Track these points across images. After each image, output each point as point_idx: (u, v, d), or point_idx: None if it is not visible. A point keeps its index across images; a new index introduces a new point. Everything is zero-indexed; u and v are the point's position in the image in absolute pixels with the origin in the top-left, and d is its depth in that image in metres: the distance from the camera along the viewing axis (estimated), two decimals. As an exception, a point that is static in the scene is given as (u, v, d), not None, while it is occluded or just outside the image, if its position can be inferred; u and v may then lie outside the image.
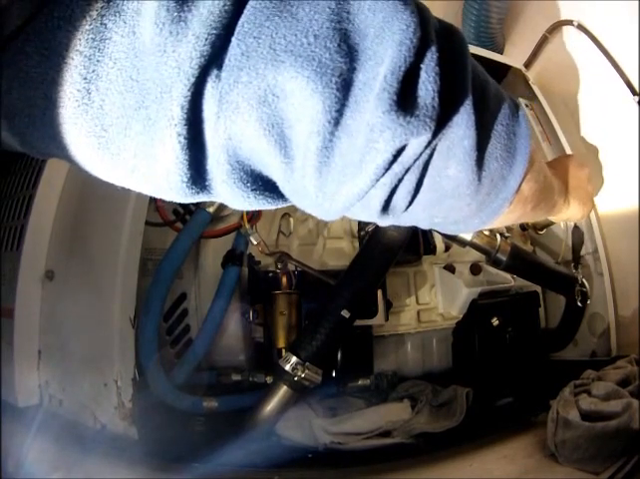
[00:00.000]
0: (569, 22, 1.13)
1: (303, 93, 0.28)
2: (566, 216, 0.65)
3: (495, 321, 1.16)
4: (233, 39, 0.28)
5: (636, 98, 0.98)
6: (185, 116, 0.29)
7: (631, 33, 0.93)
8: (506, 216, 0.41)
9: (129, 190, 0.36)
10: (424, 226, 0.42)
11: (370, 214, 0.35)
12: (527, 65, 1.30)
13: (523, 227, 1.33)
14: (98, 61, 0.28)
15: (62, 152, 0.32)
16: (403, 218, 0.37)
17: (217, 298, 1.07)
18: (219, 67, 0.28)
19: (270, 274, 1.09)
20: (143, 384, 0.89)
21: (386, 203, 0.34)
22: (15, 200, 0.82)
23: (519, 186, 0.38)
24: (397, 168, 0.31)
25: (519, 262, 1.09)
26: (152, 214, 1.06)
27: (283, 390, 0.89)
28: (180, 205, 1.14)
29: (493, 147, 0.35)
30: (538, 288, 1.27)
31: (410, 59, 0.29)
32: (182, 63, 0.28)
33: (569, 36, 1.15)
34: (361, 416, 1.01)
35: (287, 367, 0.87)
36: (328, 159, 0.30)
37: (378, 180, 0.31)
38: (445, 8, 1.41)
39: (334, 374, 1.10)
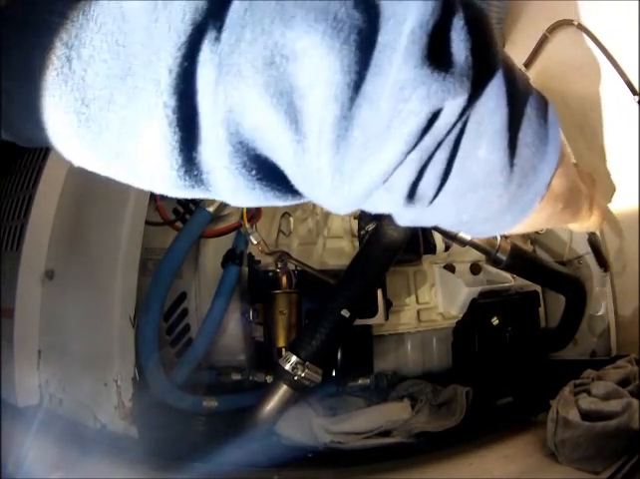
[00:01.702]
0: (569, 22, 1.12)
1: (317, 51, 0.24)
2: (586, 225, 0.60)
3: (495, 321, 1.16)
4: None
5: (636, 98, 0.98)
6: (174, 82, 0.25)
7: (631, 33, 0.93)
8: (536, 215, 0.37)
9: (129, 188, 0.34)
10: (450, 224, 0.37)
11: (394, 201, 0.31)
12: (527, 65, 1.30)
13: (523, 226, 1.33)
14: (81, 25, 0.25)
15: (40, 132, 0.28)
16: (428, 212, 0.32)
17: (217, 298, 1.07)
18: (218, 28, 0.25)
19: (270, 274, 1.09)
20: (143, 384, 0.89)
21: (413, 186, 0.29)
22: (15, 199, 0.82)
23: (552, 178, 0.34)
24: (428, 140, 0.27)
25: (519, 262, 1.09)
26: (152, 213, 1.06)
27: (283, 390, 0.89)
28: (180, 204, 1.14)
29: (524, 131, 0.31)
30: (538, 288, 1.27)
31: (437, 14, 0.25)
32: (173, 19, 0.24)
33: (570, 36, 1.15)
34: (361, 416, 1.01)
35: (287, 367, 0.87)
36: (347, 131, 0.26)
37: (409, 151, 0.27)
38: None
39: (334, 374, 1.11)
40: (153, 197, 1.03)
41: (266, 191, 0.29)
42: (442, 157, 0.29)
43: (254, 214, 1.11)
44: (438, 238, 1.18)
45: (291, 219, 1.21)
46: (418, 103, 0.26)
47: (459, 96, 0.26)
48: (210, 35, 0.25)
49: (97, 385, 0.81)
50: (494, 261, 1.08)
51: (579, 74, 1.14)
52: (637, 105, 0.98)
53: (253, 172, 0.28)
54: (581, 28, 1.09)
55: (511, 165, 0.31)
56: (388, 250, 0.97)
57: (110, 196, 0.86)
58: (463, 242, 1.05)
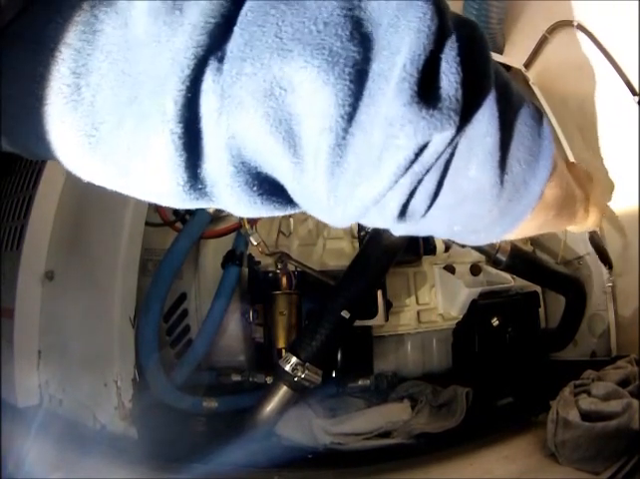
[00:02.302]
0: (569, 22, 1.13)
1: (313, 85, 0.26)
2: (585, 226, 0.60)
3: (495, 321, 1.16)
4: (236, 28, 0.26)
5: (636, 98, 0.98)
6: (180, 112, 0.26)
7: (631, 33, 0.93)
8: (528, 223, 0.38)
9: None
10: (442, 235, 0.38)
11: (385, 219, 0.32)
12: (527, 65, 1.30)
13: (523, 227, 1.33)
14: (88, 54, 0.27)
15: (51, 153, 0.30)
16: (420, 225, 0.34)
17: (217, 299, 1.07)
18: (220, 59, 0.26)
19: (270, 275, 1.09)
20: (143, 384, 0.89)
21: (404, 207, 0.31)
22: (15, 200, 0.82)
23: (543, 190, 0.35)
24: (417, 167, 0.29)
25: (519, 263, 1.10)
26: (152, 214, 1.06)
27: (283, 390, 0.89)
28: (180, 205, 1.14)
29: (516, 148, 0.32)
30: (538, 288, 1.27)
31: (429, 47, 0.27)
32: (177, 54, 0.26)
33: (569, 36, 1.15)
34: (361, 416, 1.01)
35: (287, 368, 0.87)
36: (341, 158, 0.27)
37: (397, 181, 0.28)
38: (444, 8, 1.40)
39: (334, 375, 1.10)
40: (153, 197, 1.03)
41: (267, 204, 0.31)
42: (432, 179, 0.30)
43: (254, 214, 1.11)
44: (438, 239, 1.18)
45: (291, 219, 1.21)
46: (405, 140, 0.27)
47: (446, 130, 0.28)
48: (212, 66, 0.26)
49: (97, 386, 0.81)
50: (494, 262, 1.08)
51: (579, 74, 1.15)
52: (637, 105, 0.98)
53: (255, 188, 0.29)
54: (581, 28, 1.09)
55: (502, 182, 0.32)
56: (388, 251, 0.97)
57: (110, 197, 0.86)
58: (462, 244, 1.05)
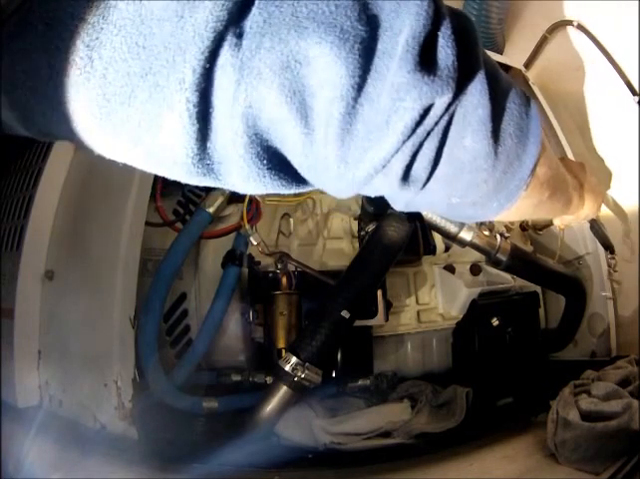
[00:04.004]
0: (569, 22, 1.13)
1: (326, 59, 0.29)
2: (584, 214, 0.65)
3: (495, 322, 1.16)
4: (254, 8, 0.28)
5: (636, 98, 0.98)
6: (197, 81, 0.28)
7: (631, 33, 0.93)
8: (524, 201, 0.41)
9: (129, 189, 0.36)
10: (441, 208, 0.41)
11: (390, 184, 0.35)
12: (527, 65, 1.30)
13: (523, 227, 1.33)
14: (102, 28, 0.28)
15: (63, 125, 0.31)
16: (421, 195, 0.36)
17: (217, 299, 1.07)
18: (239, 36, 0.28)
19: (270, 275, 1.09)
20: (143, 385, 0.89)
21: (407, 169, 0.34)
22: (15, 200, 0.82)
23: (535, 166, 0.38)
24: (420, 130, 0.32)
25: (519, 263, 1.09)
26: (152, 214, 1.06)
27: (283, 391, 0.89)
28: (180, 205, 1.14)
29: (507, 123, 0.35)
30: (538, 288, 1.27)
31: (428, 27, 0.30)
32: (199, 27, 0.28)
33: (569, 36, 1.15)
34: (361, 416, 1.01)
35: (287, 368, 0.87)
36: (351, 125, 0.30)
37: (405, 141, 0.31)
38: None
39: (334, 375, 1.10)
40: (153, 198, 1.03)
41: (274, 179, 0.33)
42: (432, 145, 0.33)
43: (254, 214, 1.11)
44: (438, 238, 1.18)
45: (291, 219, 1.21)
46: (411, 102, 0.30)
47: (445, 94, 0.31)
48: (231, 41, 0.28)
49: (97, 386, 0.81)
50: (494, 262, 1.08)
51: (579, 74, 1.15)
52: (637, 105, 0.98)
53: (265, 161, 0.32)
54: (581, 28, 1.09)
55: (496, 153, 0.35)
56: (388, 251, 0.97)
57: (110, 196, 0.86)
58: (462, 243, 1.05)
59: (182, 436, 0.95)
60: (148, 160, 0.33)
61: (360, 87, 0.29)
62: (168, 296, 1.01)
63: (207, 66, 0.28)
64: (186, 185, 1.14)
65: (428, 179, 0.35)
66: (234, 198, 1.10)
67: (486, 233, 1.04)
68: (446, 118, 0.32)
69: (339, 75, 0.29)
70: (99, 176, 0.86)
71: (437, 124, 0.32)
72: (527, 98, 0.38)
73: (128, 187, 0.86)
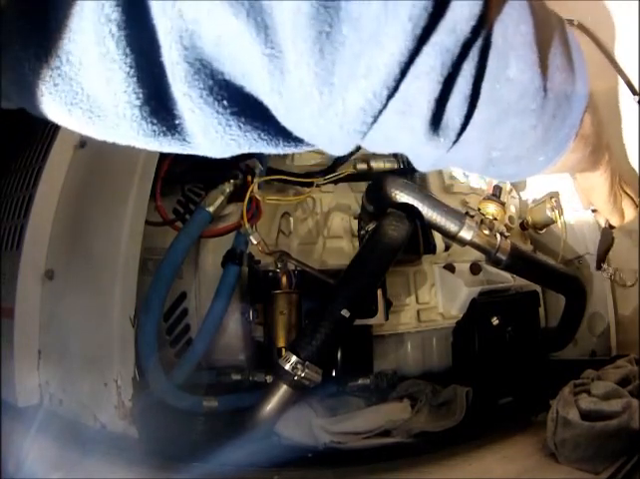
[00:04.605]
0: (569, 22, 1.12)
1: None
2: (599, 189, 0.55)
3: (495, 321, 1.16)
4: None
5: (636, 98, 0.98)
6: None
7: (631, 33, 0.93)
8: (568, 157, 0.34)
9: (129, 188, 0.34)
10: (479, 165, 0.32)
11: (413, 129, 0.25)
12: (527, 64, 1.30)
13: (523, 226, 1.33)
14: None
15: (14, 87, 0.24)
16: (455, 149, 0.28)
17: (217, 298, 1.07)
18: None
19: (270, 274, 1.09)
20: (143, 384, 0.89)
21: (436, 107, 0.24)
22: (15, 199, 0.82)
23: (585, 110, 0.31)
24: (448, 37, 0.22)
25: (519, 262, 1.09)
26: (152, 213, 1.06)
27: (283, 390, 0.89)
28: (180, 204, 1.14)
29: (553, 52, 0.28)
30: (538, 288, 1.27)
31: None
32: None
33: (569, 36, 1.15)
34: (361, 416, 1.01)
35: (287, 367, 0.87)
36: (331, 26, 0.20)
37: (417, 46, 0.21)
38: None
39: (334, 374, 1.10)
40: (153, 197, 1.03)
41: (247, 130, 0.23)
42: (466, 74, 0.24)
43: (254, 213, 1.11)
44: (438, 237, 1.18)
45: (291, 218, 1.21)
46: None
47: None
48: None
49: (97, 385, 0.81)
50: (494, 261, 1.08)
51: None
52: (637, 105, 0.98)
53: (225, 102, 0.22)
54: (581, 28, 1.09)
55: (545, 89, 0.28)
56: (388, 250, 0.97)
57: (110, 196, 0.86)
58: (462, 242, 1.05)
59: (182, 435, 0.95)
60: (91, 118, 0.25)
61: None
62: (168, 296, 1.01)
63: None
64: (187, 184, 1.14)
65: (464, 125, 0.26)
66: (234, 197, 1.10)
67: (486, 232, 1.04)
68: (483, 34, 0.23)
69: None
70: (99, 175, 0.86)
71: (472, 39, 0.23)
72: (564, 25, 0.31)
73: (128, 186, 0.86)
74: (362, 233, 1.14)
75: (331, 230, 1.24)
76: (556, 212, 1.22)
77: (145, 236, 0.90)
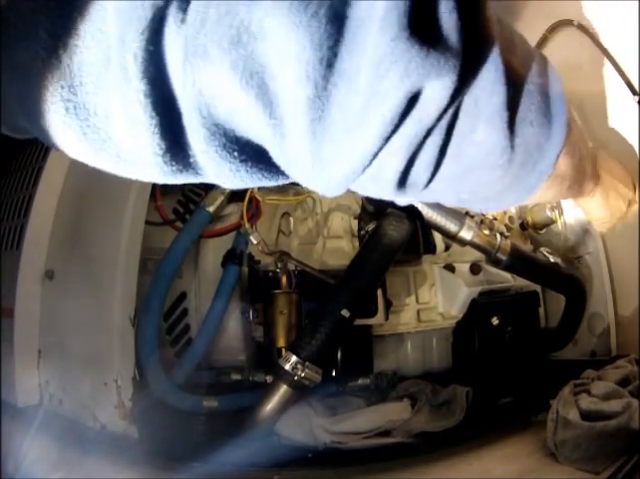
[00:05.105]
0: (569, 22, 1.12)
1: (285, 28, 0.22)
2: (592, 210, 0.56)
3: (495, 321, 1.16)
4: None
5: (636, 98, 0.98)
6: (142, 67, 0.24)
7: (631, 33, 0.93)
8: (541, 194, 0.35)
9: (129, 188, 0.35)
10: (449, 202, 0.35)
11: (384, 188, 0.29)
12: (527, 65, 1.30)
13: (523, 226, 1.33)
14: (66, 16, 0.25)
15: (33, 125, 0.28)
16: (424, 194, 0.31)
17: (217, 298, 1.07)
18: (184, 10, 0.23)
19: (270, 274, 1.09)
20: (143, 384, 0.89)
21: (403, 175, 0.28)
22: (15, 199, 0.82)
23: (558, 157, 0.32)
24: (415, 127, 0.25)
25: (519, 262, 1.09)
26: (152, 213, 1.06)
27: (283, 389, 0.89)
28: (180, 204, 1.14)
29: (526, 108, 0.29)
30: (538, 288, 1.27)
31: None
32: (135, 5, 0.24)
33: (569, 36, 1.15)
34: (361, 415, 1.01)
35: (287, 367, 0.87)
36: (323, 112, 0.24)
37: (389, 136, 0.25)
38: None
39: (334, 373, 1.10)
40: (153, 196, 1.03)
41: (253, 172, 0.28)
42: (434, 143, 0.27)
43: (254, 213, 1.11)
44: (438, 237, 1.18)
45: (291, 218, 1.21)
46: (394, 80, 0.23)
47: (444, 75, 0.24)
48: (175, 17, 0.23)
49: (97, 385, 0.81)
50: (494, 261, 1.08)
51: (579, 74, 1.14)
52: (637, 105, 0.98)
53: (236, 154, 0.26)
54: (581, 28, 1.09)
55: (512, 146, 0.29)
56: (388, 250, 0.97)
57: (110, 196, 0.86)
58: (462, 242, 1.05)
59: (183, 435, 0.95)
60: (118, 161, 0.28)
61: (330, 62, 0.23)
62: (168, 295, 1.02)
63: (151, 49, 0.24)
64: (186, 184, 1.13)
65: (430, 180, 0.29)
66: (234, 196, 1.10)
67: (486, 232, 1.04)
68: (451, 110, 0.25)
69: (301, 46, 0.22)
70: (99, 175, 0.85)
71: (440, 118, 0.25)
72: (549, 69, 0.32)
73: (128, 186, 0.86)
74: (362, 233, 1.14)
75: (331, 230, 1.24)
76: (556, 212, 1.22)
77: (144, 235, 0.90)
